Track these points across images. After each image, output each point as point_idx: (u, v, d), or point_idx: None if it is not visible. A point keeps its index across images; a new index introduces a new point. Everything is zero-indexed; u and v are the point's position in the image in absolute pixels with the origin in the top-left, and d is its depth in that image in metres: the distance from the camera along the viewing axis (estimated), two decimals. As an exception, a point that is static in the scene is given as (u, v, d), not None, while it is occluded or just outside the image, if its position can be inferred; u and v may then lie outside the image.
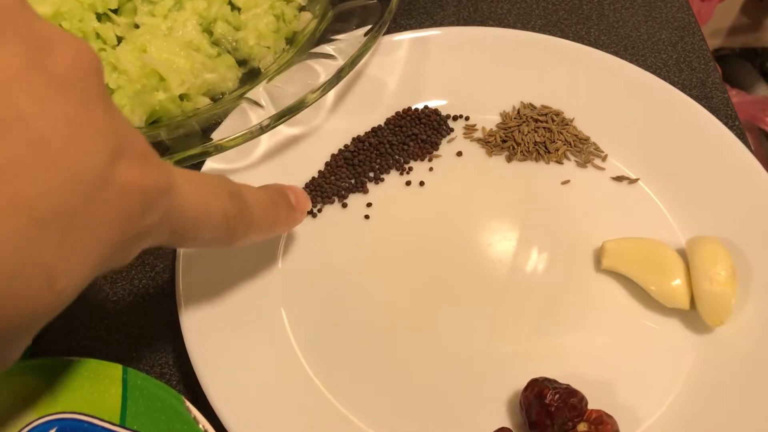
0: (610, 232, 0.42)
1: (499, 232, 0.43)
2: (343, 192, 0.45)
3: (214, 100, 0.45)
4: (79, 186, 0.19)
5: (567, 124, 0.47)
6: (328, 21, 0.46)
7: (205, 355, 0.36)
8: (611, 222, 0.43)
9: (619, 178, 0.45)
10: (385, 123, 0.47)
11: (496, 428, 0.36)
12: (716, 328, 0.39)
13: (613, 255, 0.41)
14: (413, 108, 0.48)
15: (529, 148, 0.46)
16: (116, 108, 0.22)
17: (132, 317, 0.41)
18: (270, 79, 0.43)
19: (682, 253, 0.41)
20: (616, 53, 0.49)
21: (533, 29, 0.53)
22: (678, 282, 0.39)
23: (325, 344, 0.39)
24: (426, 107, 0.48)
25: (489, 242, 0.43)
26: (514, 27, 0.54)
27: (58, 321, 0.40)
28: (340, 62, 0.42)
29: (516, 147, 0.46)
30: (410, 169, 0.46)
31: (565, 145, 0.46)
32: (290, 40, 0.48)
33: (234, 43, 0.46)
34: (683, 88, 0.48)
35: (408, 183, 0.45)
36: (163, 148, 0.38)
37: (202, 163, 0.42)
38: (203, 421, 0.31)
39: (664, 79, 0.47)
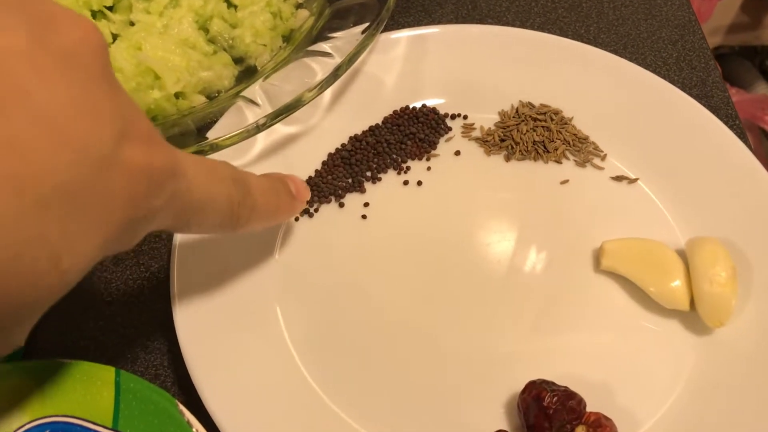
0: (609, 232, 0.42)
1: (497, 233, 0.43)
2: (340, 191, 0.44)
3: (209, 98, 0.45)
4: (84, 164, 0.19)
5: (566, 124, 0.47)
6: (325, 18, 0.45)
7: (199, 357, 0.36)
8: (610, 222, 0.43)
9: (618, 178, 0.45)
10: (383, 122, 0.47)
11: (493, 430, 0.36)
12: (716, 330, 0.39)
13: (613, 255, 0.40)
14: (411, 107, 0.47)
15: (527, 147, 0.46)
16: (122, 88, 0.22)
17: (127, 318, 0.40)
18: (266, 77, 0.42)
19: (682, 254, 0.40)
20: (615, 51, 0.49)
21: (532, 27, 0.53)
22: (678, 283, 0.39)
23: (321, 346, 0.39)
24: (424, 106, 0.48)
25: (487, 242, 0.43)
26: (513, 25, 0.53)
27: (52, 322, 0.40)
28: (337, 60, 0.41)
29: (515, 146, 0.46)
30: (408, 168, 0.45)
31: (564, 144, 0.46)
32: (287, 38, 0.48)
33: (230, 41, 0.46)
34: (683, 87, 0.47)
35: (406, 182, 0.45)
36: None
37: (198, 162, 0.41)
38: (197, 425, 0.31)
39: (664, 77, 0.47)
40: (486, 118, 0.48)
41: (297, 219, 0.43)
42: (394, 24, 0.53)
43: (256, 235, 0.41)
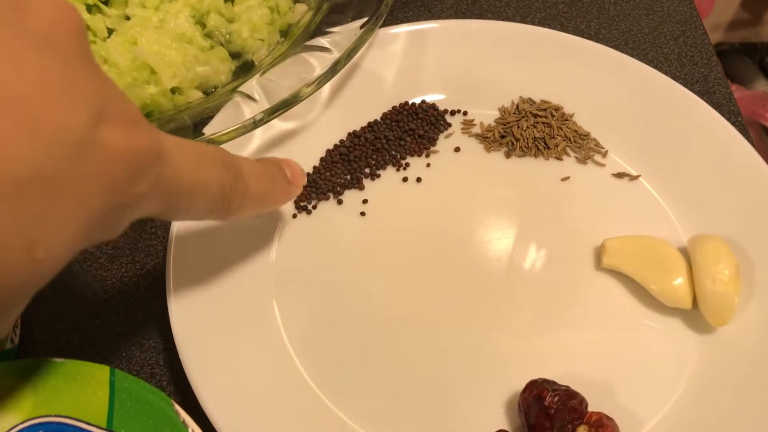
0: (610, 229, 0.42)
1: (497, 230, 0.43)
2: (338, 188, 0.44)
3: (206, 93, 0.44)
4: (59, 149, 0.19)
5: (567, 120, 0.46)
6: (323, 13, 0.45)
7: (195, 356, 0.35)
8: (612, 219, 0.43)
9: (619, 175, 0.44)
10: (382, 118, 0.46)
11: (494, 430, 0.35)
12: (719, 328, 0.38)
13: (614, 253, 0.40)
14: (410, 102, 0.47)
15: (528, 143, 0.45)
16: (100, 69, 0.21)
17: (122, 316, 0.40)
18: (264, 73, 0.42)
19: (684, 252, 0.40)
20: (616, 47, 0.48)
21: (532, 22, 0.53)
22: (680, 281, 0.38)
23: (319, 344, 0.38)
24: (423, 102, 0.47)
25: (487, 240, 0.42)
26: (513, 20, 0.53)
27: (46, 320, 0.39)
28: (336, 55, 0.41)
29: (515, 142, 0.46)
30: (407, 165, 0.45)
31: (564, 140, 0.46)
32: (285, 33, 0.47)
33: (227, 36, 0.46)
34: (685, 83, 0.47)
35: (405, 179, 0.44)
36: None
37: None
38: (192, 425, 0.30)
39: (666, 73, 0.47)
40: (486, 114, 0.47)
41: (295, 216, 0.43)
42: (393, 19, 0.52)
43: (253, 231, 0.41)
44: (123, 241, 0.42)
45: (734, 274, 0.37)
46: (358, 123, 0.46)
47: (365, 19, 0.42)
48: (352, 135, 0.46)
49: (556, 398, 0.34)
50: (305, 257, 0.41)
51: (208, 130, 0.38)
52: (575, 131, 0.46)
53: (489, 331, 0.39)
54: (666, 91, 0.46)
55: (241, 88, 0.41)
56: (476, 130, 0.47)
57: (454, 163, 0.45)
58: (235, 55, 0.46)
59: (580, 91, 0.47)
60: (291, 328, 0.39)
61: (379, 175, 0.45)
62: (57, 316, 0.40)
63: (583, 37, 0.48)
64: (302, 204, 0.43)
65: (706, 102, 0.45)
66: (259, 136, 0.43)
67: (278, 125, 0.44)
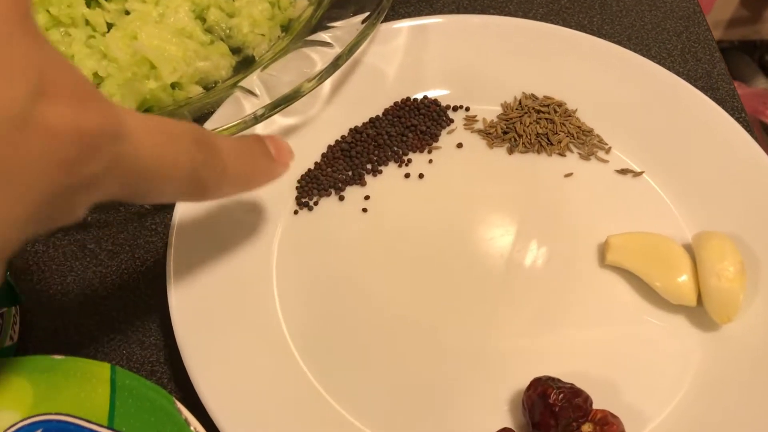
0: (614, 226, 0.41)
1: (500, 227, 0.42)
2: (340, 184, 0.43)
3: (206, 88, 0.44)
4: None
5: (570, 116, 0.46)
6: (324, 8, 0.45)
7: (196, 353, 0.35)
8: (615, 216, 0.42)
9: (623, 171, 0.44)
10: (384, 113, 0.46)
11: (498, 428, 0.35)
12: (724, 326, 0.38)
13: (618, 250, 0.40)
14: (412, 98, 0.47)
15: (531, 139, 0.45)
16: (46, 43, 0.20)
17: (123, 313, 0.40)
18: (264, 68, 0.41)
19: (689, 249, 0.40)
20: (619, 43, 0.48)
21: (535, 18, 0.52)
22: (684, 278, 0.38)
23: (321, 341, 0.38)
24: (425, 97, 0.47)
25: (490, 237, 0.42)
26: (516, 15, 0.53)
27: (46, 317, 0.39)
28: (337, 50, 0.40)
29: (518, 139, 0.45)
30: (409, 161, 0.45)
31: (567, 136, 0.45)
32: (285, 28, 0.47)
33: (227, 31, 0.45)
34: (688, 79, 0.47)
35: (407, 175, 0.44)
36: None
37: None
38: (194, 422, 0.30)
39: (669, 69, 0.46)
40: (488, 110, 0.47)
41: (296, 212, 0.42)
42: (395, 14, 0.52)
43: (254, 228, 0.40)
44: (123, 237, 0.42)
45: (739, 271, 0.37)
46: (359, 119, 0.46)
47: (367, 13, 0.42)
48: (354, 131, 0.45)
49: (561, 396, 0.33)
50: (306, 254, 0.41)
51: (209, 126, 0.38)
52: (578, 127, 0.45)
53: (492, 328, 0.39)
54: (670, 87, 0.45)
55: (241, 84, 0.41)
56: (479, 125, 0.46)
57: (457, 159, 0.45)
58: (235, 50, 0.46)
59: (583, 87, 0.46)
60: (292, 325, 0.38)
61: (380, 171, 0.44)
62: (57, 312, 0.39)
63: (585, 32, 0.48)
64: (303, 200, 0.43)
65: (710, 98, 0.44)
66: (260, 132, 0.43)
67: (279, 121, 0.44)
